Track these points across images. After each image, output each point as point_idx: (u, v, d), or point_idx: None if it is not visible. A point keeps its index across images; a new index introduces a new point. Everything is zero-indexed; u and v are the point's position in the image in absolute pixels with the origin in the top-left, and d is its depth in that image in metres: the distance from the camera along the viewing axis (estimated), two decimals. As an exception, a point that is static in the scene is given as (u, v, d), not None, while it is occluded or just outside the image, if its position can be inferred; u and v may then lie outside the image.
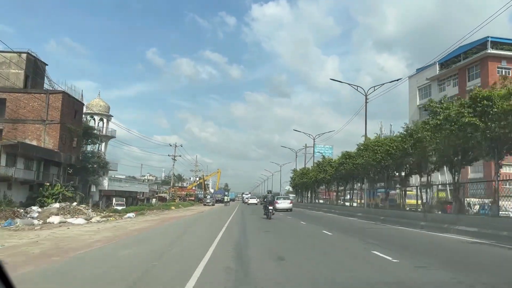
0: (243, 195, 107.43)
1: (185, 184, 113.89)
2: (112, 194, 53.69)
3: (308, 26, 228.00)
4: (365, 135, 29.66)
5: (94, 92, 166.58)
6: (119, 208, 43.85)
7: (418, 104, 60.50)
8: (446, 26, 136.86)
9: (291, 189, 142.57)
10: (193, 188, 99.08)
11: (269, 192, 30.09)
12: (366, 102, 30.44)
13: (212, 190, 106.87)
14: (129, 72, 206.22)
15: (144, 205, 44.02)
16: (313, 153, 49.40)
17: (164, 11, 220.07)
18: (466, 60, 46.74)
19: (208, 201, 63.47)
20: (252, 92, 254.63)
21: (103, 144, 53.76)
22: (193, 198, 72.07)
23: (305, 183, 48.22)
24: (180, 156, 73.98)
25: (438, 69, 51.34)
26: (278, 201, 39.35)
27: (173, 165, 72.96)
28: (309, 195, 54.58)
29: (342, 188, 39.12)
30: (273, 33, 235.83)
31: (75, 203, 33.61)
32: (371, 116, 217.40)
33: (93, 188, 48.08)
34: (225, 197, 68.93)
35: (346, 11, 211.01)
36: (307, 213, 35.80)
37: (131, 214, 29.69)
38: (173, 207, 47.27)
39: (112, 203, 50.75)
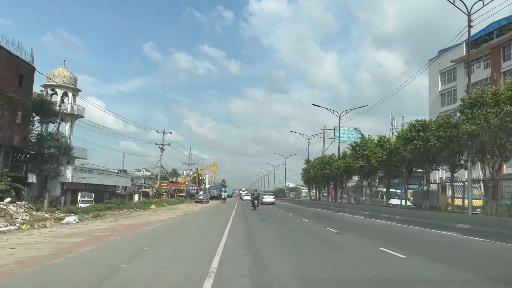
0: (240, 192, 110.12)
1: (180, 180, 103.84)
2: (80, 188, 42.96)
3: (306, 22, 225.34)
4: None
5: (92, 87, 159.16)
6: (84, 205, 34.30)
7: (440, 90, 52.57)
8: (445, 23, 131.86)
9: (294, 185, 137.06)
10: (186, 183, 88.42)
11: (255, 191, 45.89)
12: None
13: (208, 186, 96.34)
14: (126, 67, 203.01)
15: (113, 203, 33.33)
16: (339, 135, 38.76)
17: (161, 4, 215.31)
18: (501, 37, 41.41)
19: (200, 197, 52.87)
20: (250, 88, 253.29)
21: (68, 125, 42.95)
22: (183, 194, 61.49)
23: (326, 175, 37.52)
24: (169, 145, 63.52)
25: (465, 49, 45.36)
26: (265, 197, 53.69)
27: (161, 155, 62.38)
28: (323, 191, 44.28)
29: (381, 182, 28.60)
30: (271, 29, 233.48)
31: (8, 199, 23.87)
32: (372, 113, 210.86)
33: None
34: (223, 193, 58.12)
35: (345, 6, 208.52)
36: (352, 222, 22.81)
37: (71, 219, 19.10)
38: (153, 206, 36.62)
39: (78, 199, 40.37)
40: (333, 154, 38.77)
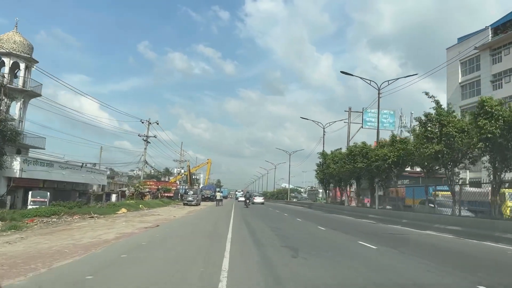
0: (236, 193, 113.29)
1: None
2: (36, 186, 33.74)
3: (303, 23, 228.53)
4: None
5: (88, 87, 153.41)
6: (35, 207, 25.83)
7: (460, 81, 46.20)
8: (441, 25, 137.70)
9: (301, 189, 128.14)
10: (177, 182, 79.24)
11: (247, 192, 70.90)
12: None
13: (202, 186, 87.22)
14: (121, 66, 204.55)
15: (65, 206, 24.15)
16: (378, 114, 29.44)
17: (156, 3, 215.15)
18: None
19: (190, 198, 43.80)
20: (245, 89, 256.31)
21: (18, 104, 33.72)
22: (170, 194, 52.34)
23: (358, 170, 28.03)
24: (155, 137, 54.37)
25: (491, 35, 41.71)
26: (256, 198, 63.38)
27: (145, 149, 53.18)
28: (346, 191, 35.36)
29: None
30: (267, 29, 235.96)
31: None
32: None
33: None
34: (217, 194, 49.06)
35: (341, 7, 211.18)
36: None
37: None
38: (123, 210, 27.54)
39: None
40: (364, 143, 29.62)
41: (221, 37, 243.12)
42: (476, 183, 25.05)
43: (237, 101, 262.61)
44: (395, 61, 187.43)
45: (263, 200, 63.76)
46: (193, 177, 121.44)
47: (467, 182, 29.05)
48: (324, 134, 40.37)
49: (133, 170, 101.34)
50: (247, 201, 45.37)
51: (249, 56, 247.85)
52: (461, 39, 46.05)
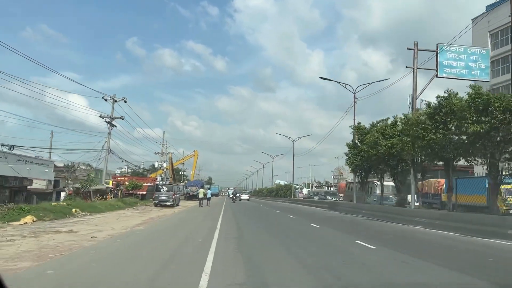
0: (228, 191, 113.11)
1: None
2: None
3: (293, 19, 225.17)
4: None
5: (77, 84, 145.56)
6: None
7: (490, 56, 34.61)
8: (431, 22, 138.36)
9: (284, 183, 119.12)
10: (157, 177, 67.22)
11: (234, 189, 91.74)
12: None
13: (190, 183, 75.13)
14: (110, 63, 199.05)
15: None
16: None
17: None
18: None
19: (163, 197, 31.83)
20: (236, 86, 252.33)
21: None
22: (142, 192, 40.18)
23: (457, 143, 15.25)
24: (122, 118, 42.43)
25: None
26: (242, 195, 71.64)
27: (109, 133, 41.18)
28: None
29: None
30: (257, 26, 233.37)
31: None
32: (360, 111, 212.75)
33: None
34: (201, 190, 37.26)
35: (332, 4, 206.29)
36: None
37: None
38: (28, 218, 15.73)
39: None
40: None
41: (211, 33, 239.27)
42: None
43: (228, 98, 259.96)
44: (385, 57, 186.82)
45: (248, 197, 73.93)
46: (181, 172, 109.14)
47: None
48: (355, 101, 28.50)
49: (122, 168, 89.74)
50: (234, 197, 58.30)
51: (240, 53, 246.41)
52: (490, 7, 37.99)
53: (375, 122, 25.69)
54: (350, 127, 27.65)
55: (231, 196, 69.70)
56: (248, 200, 67.90)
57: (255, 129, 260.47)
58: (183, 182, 79.30)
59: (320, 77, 21.36)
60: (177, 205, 35.10)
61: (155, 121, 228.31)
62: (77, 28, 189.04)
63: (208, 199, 37.96)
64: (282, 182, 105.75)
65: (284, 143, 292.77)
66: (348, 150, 27.41)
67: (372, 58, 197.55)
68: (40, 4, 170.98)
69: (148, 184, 44.00)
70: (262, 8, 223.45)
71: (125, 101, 42.78)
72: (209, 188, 64.87)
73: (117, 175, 59.92)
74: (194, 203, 41.33)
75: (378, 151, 22.49)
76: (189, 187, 61.11)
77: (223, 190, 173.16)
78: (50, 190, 37.35)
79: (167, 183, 61.86)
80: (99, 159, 41.67)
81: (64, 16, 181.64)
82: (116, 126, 43.35)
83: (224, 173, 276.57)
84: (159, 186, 32.60)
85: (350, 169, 27.34)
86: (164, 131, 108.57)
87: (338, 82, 28.81)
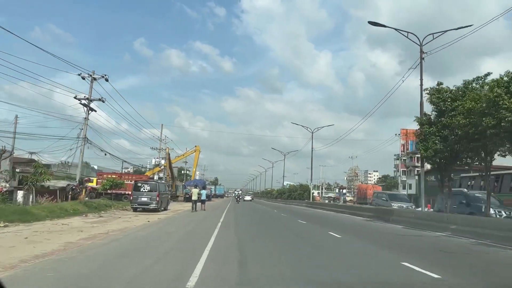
0: (235, 192, 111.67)
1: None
2: None
3: (300, 19, 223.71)
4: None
5: (85, 85, 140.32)
6: None
7: None
8: (440, 23, 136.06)
9: (287, 184, 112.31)
10: (153, 176, 59.24)
11: (239, 191, 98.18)
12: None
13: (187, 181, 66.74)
14: (118, 64, 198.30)
15: None
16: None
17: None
18: None
19: (144, 199, 23.63)
20: (243, 88, 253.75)
21: None
22: (126, 192, 31.87)
23: None
24: (103, 101, 34.83)
25: None
26: (245, 197, 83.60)
27: (86, 118, 33.51)
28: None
29: None
30: (264, 26, 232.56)
31: None
32: (366, 113, 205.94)
33: None
34: (194, 190, 29.05)
35: (339, 4, 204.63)
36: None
37: None
38: None
39: None
40: None
41: (218, 34, 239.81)
42: None
43: (235, 100, 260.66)
44: (394, 59, 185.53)
45: (250, 198, 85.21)
46: (183, 172, 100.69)
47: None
48: (422, 58, 19.76)
49: (127, 168, 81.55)
50: (239, 198, 62.64)
51: (247, 54, 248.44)
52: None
53: (465, 82, 17.03)
54: (425, 90, 18.66)
55: (247, 198, 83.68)
56: (250, 200, 78.83)
57: (262, 131, 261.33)
58: (184, 181, 71.21)
59: (369, 22, 15.13)
60: (165, 208, 26.94)
61: (162, 121, 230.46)
62: (85, 28, 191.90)
63: (203, 201, 29.76)
64: (291, 184, 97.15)
65: (291, 144, 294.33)
66: (420, 129, 18.60)
67: (380, 59, 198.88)
68: (48, 4, 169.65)
69: (130, 182, 35.72)
70: (269, 8, 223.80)
71: (107, 79, 34.93)
72: (209, 189, 56.88)
73: (102, 172, 51.89)
74: (181, 213, 33.12)
75: (502, 119, 13.58)
76: (188, 187, 53.01)
77: (229, 191, 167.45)
78: (9, 188, 29.56)
79: (161, 181, 54.01)
80: (71, 149, 33.94)
81: (71, 16, 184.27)
82: (95, 111, 35.78)
83: (230, 174, 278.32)
84: (138, 184, 24.28)
85: (424, 156, 17.93)
86: (162, 124, 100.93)
87: (396, 29, 22.43)
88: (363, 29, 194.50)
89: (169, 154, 54.00)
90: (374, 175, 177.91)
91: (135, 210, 24.23)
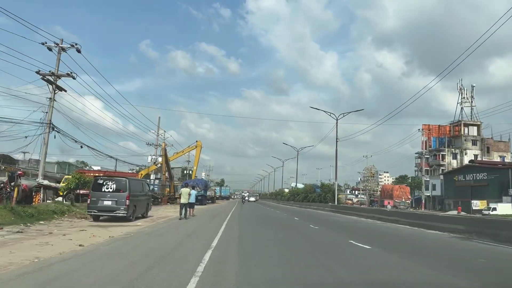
0: (243, 194, 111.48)
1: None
2: None
3: (306, 20, 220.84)
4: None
5: (93, 87, 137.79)
6: None
7: None
8: (448, 22, 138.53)
9: (291, 186, 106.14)
10: (148, 175, 51.94)
11: (244, 193, 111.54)
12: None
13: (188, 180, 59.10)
14: (124, 66, 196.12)
15: None
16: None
17: (156, 1, 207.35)
18: None
19: (107, 202, 16.29)
20: (249, 89, 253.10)
21: None
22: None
23: None
24: (72, 76, 27.80)
25: None
26: (250, 198, 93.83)
27: (51, 98, 26.60)
28: None
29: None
30: (269, 27, 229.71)
31: None
32: (373, 114, 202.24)
33: None
34: (183, 190, 21.50)
35: (345, 4, 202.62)
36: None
37: None
38: None
39: None
40: None
41: (223, 35, 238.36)
42: None
43: (241, 101, 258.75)
44: (400, 59, 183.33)
45: (254, 199, 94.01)
46: (185, 172, 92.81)
47: None
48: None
49: (132, 170, 73.38)
50: (244, 199, 69.87)
51: (252, 55, 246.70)
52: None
53: None
54: None
55: (252, 199, 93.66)
56: (254, 201, 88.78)
57: (268, 132, 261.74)
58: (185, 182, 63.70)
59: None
60: (144, 215, 19.51)
61: (169, 123, 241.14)
62: (90, 30, 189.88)
63: (191, 205, 22.40)
64: (300, 185, 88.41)
65: (297, 145, 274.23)
66: None
67: (387, 59, 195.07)
68: (54, 6, 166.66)
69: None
70: (274, 9, 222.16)
71: (79, 51, 27.69)
72: (208, 190, 49.51)
73: (86, 169, 44.67)
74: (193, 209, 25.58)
75: None
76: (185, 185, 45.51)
77: (236, 192, 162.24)
78: None
79: (159, 181, 46.60)
80: (26, 137, 26.60)
81: (77, 18, 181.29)
82: (65, 91, 28.55)
83: (237, 176, 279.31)
84: (99, 182, 16.75)
85: None
86: (159, 117, 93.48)
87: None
88: (369, 29, 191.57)
89: (165, 150, 46.55)
90: (385, 176, 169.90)
91: (96, 218, 16.81)
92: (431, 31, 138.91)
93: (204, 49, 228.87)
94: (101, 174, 25.98)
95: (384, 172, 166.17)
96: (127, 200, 16.39)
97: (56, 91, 26.99)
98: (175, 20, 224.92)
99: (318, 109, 28.17)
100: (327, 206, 37.55)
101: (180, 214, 20.56)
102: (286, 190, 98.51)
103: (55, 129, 27.53)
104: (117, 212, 16.29)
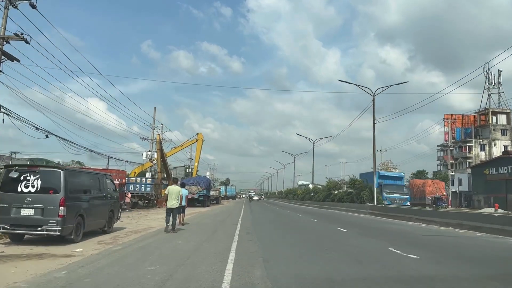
0: (250, 193, 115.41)
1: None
2: None
3: (307, 17, 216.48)
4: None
5: (97, 89, 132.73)
6: None
7: None
8: (451, 17, 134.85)
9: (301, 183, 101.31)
10: (143, 172, 44.90)
11: (251, 193, 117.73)
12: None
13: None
14: (127, 67, 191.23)
15: None
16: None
17: (157, 1, 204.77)
18: None
19: (26, 211, 9.20)
20: (252, 88, 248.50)
21: None
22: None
23: None
24: (23, 39, 20.24)
25: None
26: (254, 197, 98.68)
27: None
28: None
29: None
30: (271, 25, 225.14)
31: None
32: (378, 111, 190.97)
33: None
34: (172, 188, 14.15)
35: (347, 0, 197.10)
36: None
37: None
38: None
39: None
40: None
41: (225, 34, 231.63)
42: None
43: (244, 100, 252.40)
44: (404, 55, 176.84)
45: (258, 198, 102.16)
46: (187, 170, 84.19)
47: None
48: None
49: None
50: (251, 199, 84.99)
51: (255, 54, 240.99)
52: None
53: None
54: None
55: (255, 198, 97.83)
56: (258, 200, 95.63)
57: (272, 131, 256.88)
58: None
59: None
60: (105, 230, 12.40)
61: (173, 124, 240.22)
62: (92, 32, 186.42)
63: (183, 209, 15.64)
64: (331, 179, 78.32)
65: (302, 143, 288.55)
66: None
67: (390, 55, 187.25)
68: (56, 8, 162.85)
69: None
70: (275, 7, 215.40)
71: (34, 7, 20.51)
72: (206, 190, 42.34)
73: (70, 165, 37.63)
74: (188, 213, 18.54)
75: None
76: (186, 186, 38.40)
77: (241, 192, 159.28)
78: None
79: (152, 179, 39.75)
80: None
81: (79, 20, 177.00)
82: (18, 60, 21.43)
83: (242, 175, 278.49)
84: (14, 176, 9.29)
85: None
86: (155, 107, 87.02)
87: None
88: (372, 25, 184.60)
89: (160, 143, 39.49)
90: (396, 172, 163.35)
91: (15, 238, 9.75)
92: (434, 25, 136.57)
93: (206, 48, 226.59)
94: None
95: (393, 168, 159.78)
96: (61, 207, 9.20)
97: (3, 60, 19.95)
98: (176, 20, 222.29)
99: (349, 83, 23.13)
100: (364, 208, 28.63)
101: (167, 223, 13.64)
102: (300, 189, 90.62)
103: (2, 109, 20.62)
104: (43, 228, 9.13)
